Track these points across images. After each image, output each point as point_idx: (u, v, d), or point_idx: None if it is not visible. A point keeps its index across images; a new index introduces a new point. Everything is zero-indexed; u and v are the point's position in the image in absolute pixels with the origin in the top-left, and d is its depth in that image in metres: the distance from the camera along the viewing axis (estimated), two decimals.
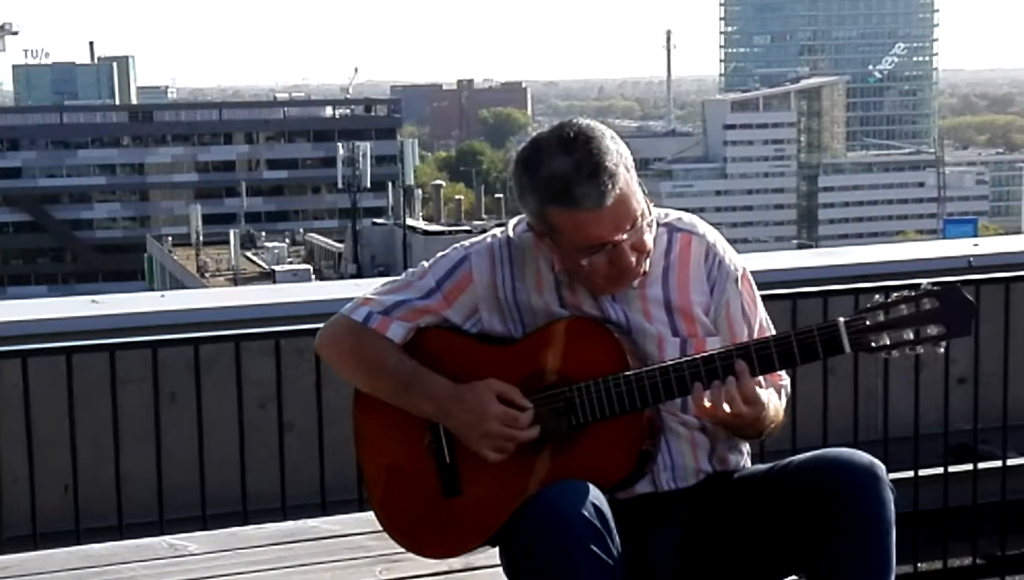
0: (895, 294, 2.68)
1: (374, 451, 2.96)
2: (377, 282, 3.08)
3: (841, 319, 2.69)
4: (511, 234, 2.90)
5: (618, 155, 2.70)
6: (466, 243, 2.94)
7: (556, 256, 2.80)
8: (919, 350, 2.67)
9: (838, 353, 2.69)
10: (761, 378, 2.74)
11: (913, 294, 2.66)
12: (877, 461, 2.71)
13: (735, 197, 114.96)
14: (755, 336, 2.85)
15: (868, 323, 2.67)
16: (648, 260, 2.79)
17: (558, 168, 2.68)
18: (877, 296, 2.71)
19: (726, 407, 2.68)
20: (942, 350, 2.67)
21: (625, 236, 2.71)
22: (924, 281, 2.72)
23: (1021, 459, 5.80)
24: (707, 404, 2.69)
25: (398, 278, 2.96)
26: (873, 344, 2.67)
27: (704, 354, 2.74)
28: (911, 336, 2.65)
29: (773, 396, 2.84)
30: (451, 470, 2.84)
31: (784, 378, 2.96)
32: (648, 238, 2.77)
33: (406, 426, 2.87)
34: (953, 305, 2.65)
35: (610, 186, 2.67)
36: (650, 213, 2.77)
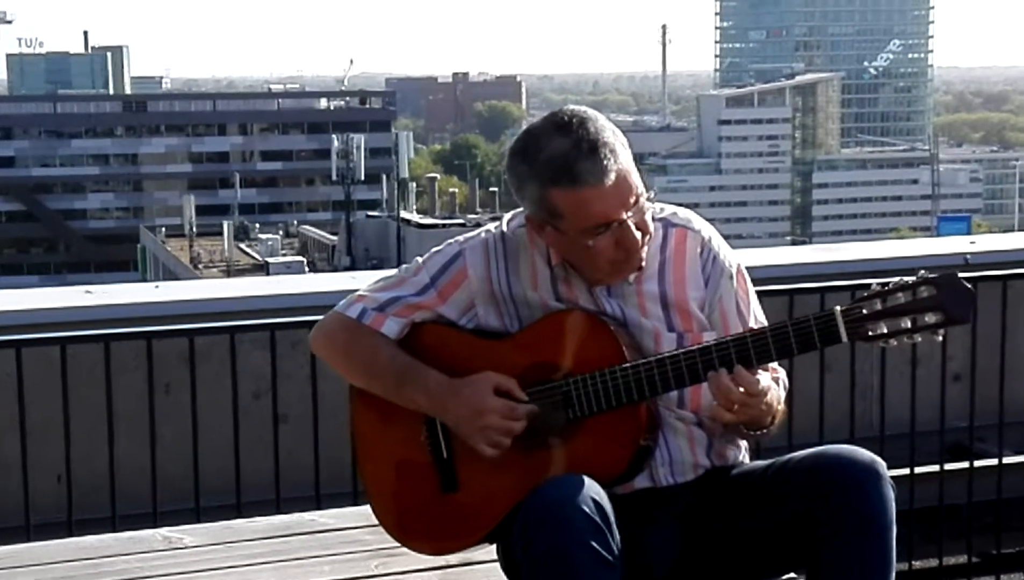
0: (892, 282, 2.63)
1: (371, 446, 2.95)
2: (371, 275, 3.07)
3: (838, 308, 2.65)
4: (505, 229, 2.88)
5: (614, 133, 2.69)
6: (460, 238, 2.92)
7: (557, 246, 2.77)
8: (917, 338, 2.62)
9: (835, 343, 2.65)
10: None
11: (910, 282, 2.62)
12: (878, 458, 2.69)
13: (729, 193, 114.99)
14: None
15: (865, 312, 2.63)
16: (646, 250, 2.77)
17: (557, 148, 2.66)
18: (874, 284, 2.66)
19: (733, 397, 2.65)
20: (940, 338, 2.63)
21: (630, 213, 2.69)
22: (921, 271, 2.68)
23: (1017, 457, 5.78)
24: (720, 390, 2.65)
25: (392, 274, 2.94)
26: (871, 333, 2.63)
27: (700, 346, 2.72)
28: (909, 324, 2.61)
29: (773, 386, 2.80)
30: (448, 466, 2.83)
31: (780, 370, 2.92)
32: (649, 218, 2.75)
33: (402, 421, 2.86)
34: (951, 292, 2.60)
35: (611, 161, 2.65)
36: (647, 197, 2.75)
